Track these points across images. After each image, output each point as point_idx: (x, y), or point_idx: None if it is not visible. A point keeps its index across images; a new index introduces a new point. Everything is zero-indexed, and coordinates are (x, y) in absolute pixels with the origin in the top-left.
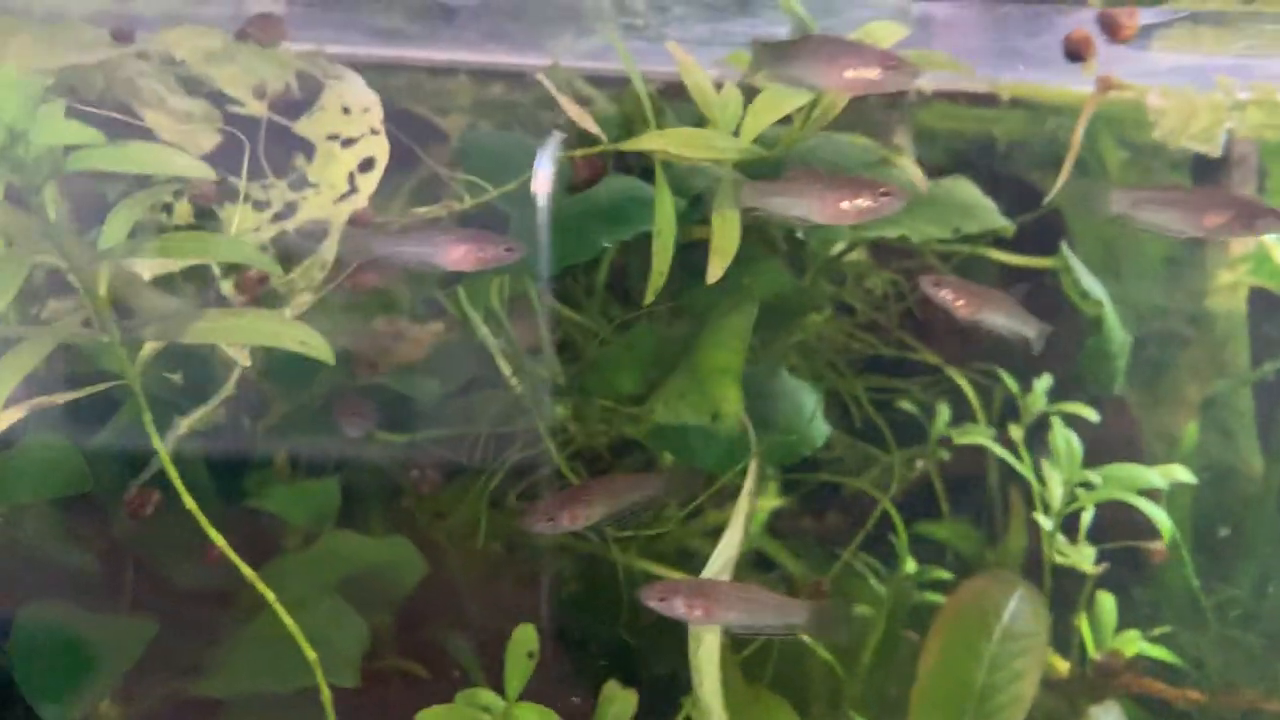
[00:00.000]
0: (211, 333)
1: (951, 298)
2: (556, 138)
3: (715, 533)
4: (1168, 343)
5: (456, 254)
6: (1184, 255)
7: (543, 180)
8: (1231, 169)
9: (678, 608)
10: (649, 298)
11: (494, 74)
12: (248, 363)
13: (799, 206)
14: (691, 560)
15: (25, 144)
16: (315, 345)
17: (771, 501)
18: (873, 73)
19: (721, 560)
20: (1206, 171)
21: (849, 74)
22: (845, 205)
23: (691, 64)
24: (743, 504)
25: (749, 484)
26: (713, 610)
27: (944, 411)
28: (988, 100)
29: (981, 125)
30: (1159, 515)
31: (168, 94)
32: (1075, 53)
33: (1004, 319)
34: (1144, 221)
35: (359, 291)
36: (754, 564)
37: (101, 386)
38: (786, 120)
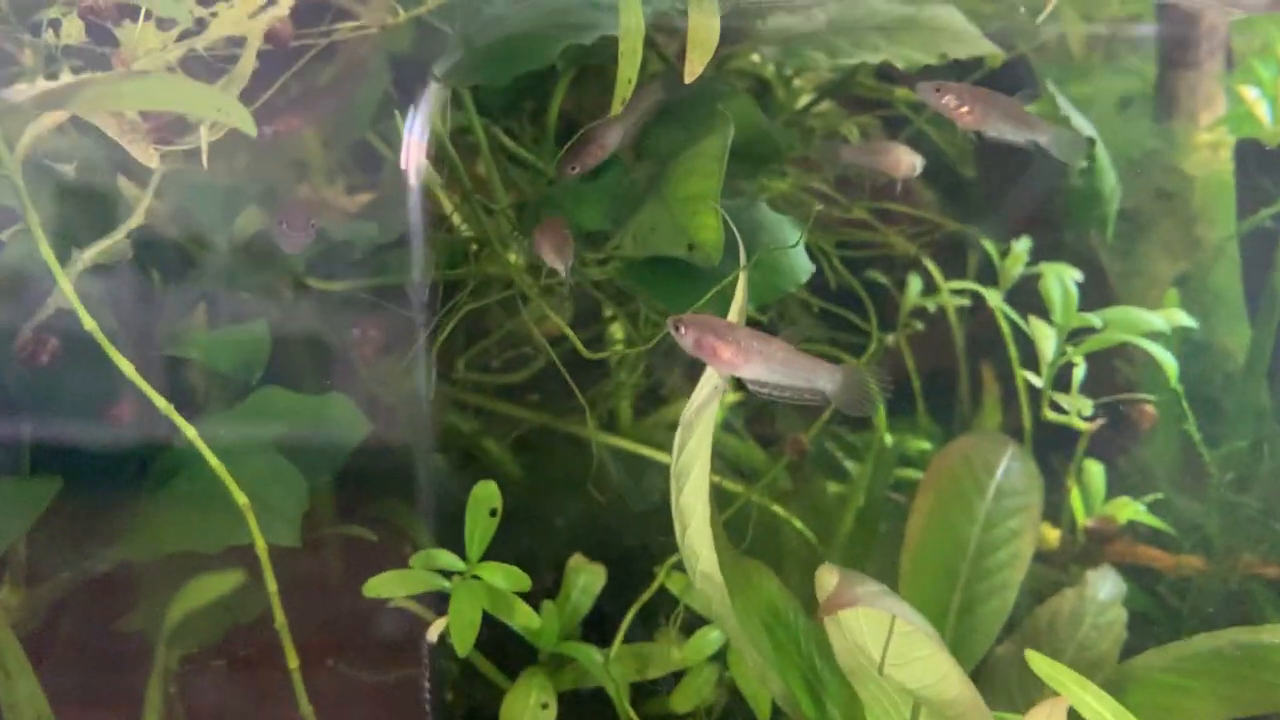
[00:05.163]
0: (105, 98)
1: (954, 104)
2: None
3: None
4: (1145, 209)
5: None
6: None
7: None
8: (1200, 41)
9: (706, 347)
10: (615, 108)
11: None
12: (155, 163)
13: None
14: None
15: None
16: (234, 113)
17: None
18: None
19: (707, 389)
20: (1174, 46)
21: None
22: None
23: None
24: (734, 314)
25: (740, 294)
26: (739, 358)
27: (915, 282)
28: None
29: None
30: (1165, 357)
31: None
32: None
33: (1012, 126)
34: None
35: (284, 138)
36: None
37: None
38: None
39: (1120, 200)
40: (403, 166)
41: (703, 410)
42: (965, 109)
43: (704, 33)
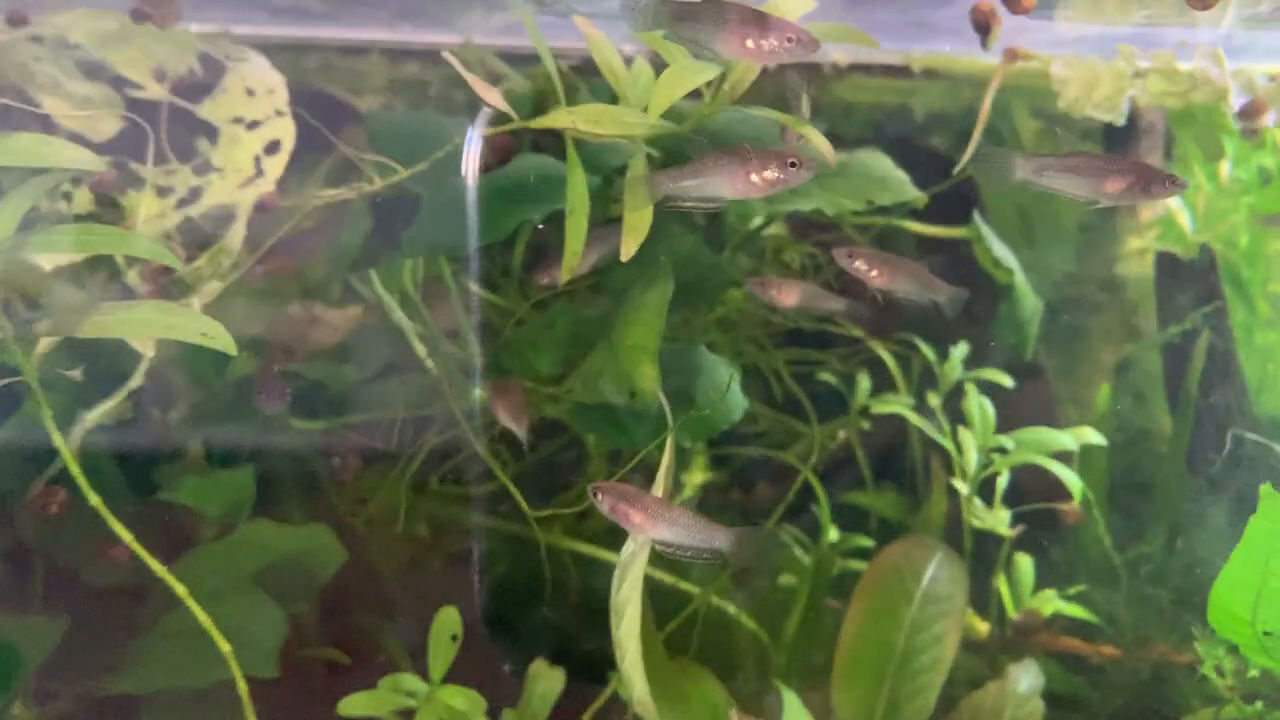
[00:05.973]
0: (108, 326)
1: (865, 268)
2: (486, 115)
3: None
4: (1081, 308)
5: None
6: (1097, 223)
7: (472, 158)
8: (1140, 137)
9: (619, 512)
10: (564, 277)
11: (407, 53)
12: (151, 353)
13: (711, 186)
14: (616, 539)
15: None
16: (217, 336)
17: (699, 476)
18: (773, 43)
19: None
20: (1116, 140)
21: (749, 43)
22: (755, 179)
23: (600, 39)
24: (661, 479)
25: (666, 459)
26: (647, 523)
27: (864, 382)
28: (902, 73)
29: (898, 97)
30: (1069, 476)
31: (65, 78)
32: (981, 23)
33: (916, 286)
34: (1048, 187)
35: (274, 276)
36: None
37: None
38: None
39: (1063, 291)
40: (463, 173)
41: (636, 556)
42: (875, 272)
43: (636, 220)
